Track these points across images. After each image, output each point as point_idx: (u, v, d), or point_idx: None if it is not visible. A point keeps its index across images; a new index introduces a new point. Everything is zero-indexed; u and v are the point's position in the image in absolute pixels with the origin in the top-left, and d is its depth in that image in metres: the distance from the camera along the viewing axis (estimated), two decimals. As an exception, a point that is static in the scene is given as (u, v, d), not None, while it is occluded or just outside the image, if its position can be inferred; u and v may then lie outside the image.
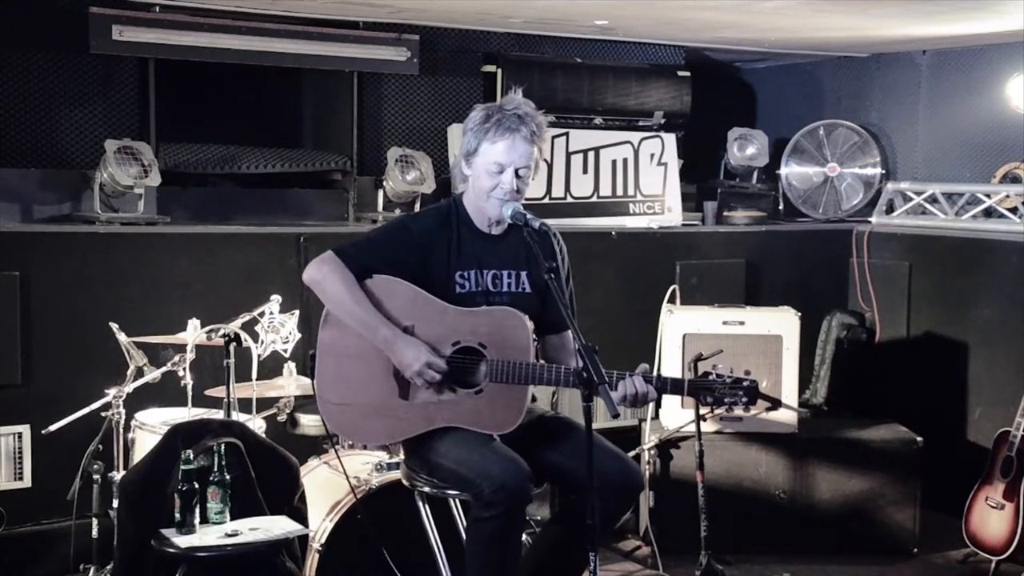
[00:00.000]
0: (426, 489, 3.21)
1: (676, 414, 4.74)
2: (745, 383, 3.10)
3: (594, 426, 2.98)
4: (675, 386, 3.12)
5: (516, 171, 3.11)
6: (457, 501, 3.40)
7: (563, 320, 3.14)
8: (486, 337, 3.10)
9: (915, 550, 4.74)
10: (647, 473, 4.73)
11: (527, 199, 5.25)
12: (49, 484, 4.12)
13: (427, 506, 3.31)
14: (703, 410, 4.48)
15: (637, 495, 3.24)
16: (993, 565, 4.48)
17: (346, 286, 3.08)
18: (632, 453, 4.71)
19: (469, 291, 3.16)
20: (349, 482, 3.51)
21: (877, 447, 4.80)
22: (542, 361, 3.18)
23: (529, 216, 3.11)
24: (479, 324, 3.11)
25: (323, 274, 3.10)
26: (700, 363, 4.15)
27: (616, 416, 2.78)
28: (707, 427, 4.64)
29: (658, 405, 4.82)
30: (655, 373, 3.13)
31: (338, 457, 3.51)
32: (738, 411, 4.46)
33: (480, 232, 3.22)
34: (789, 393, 4.73)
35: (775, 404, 4.57)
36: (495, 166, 3.10)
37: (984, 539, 4.53)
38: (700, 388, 3.12)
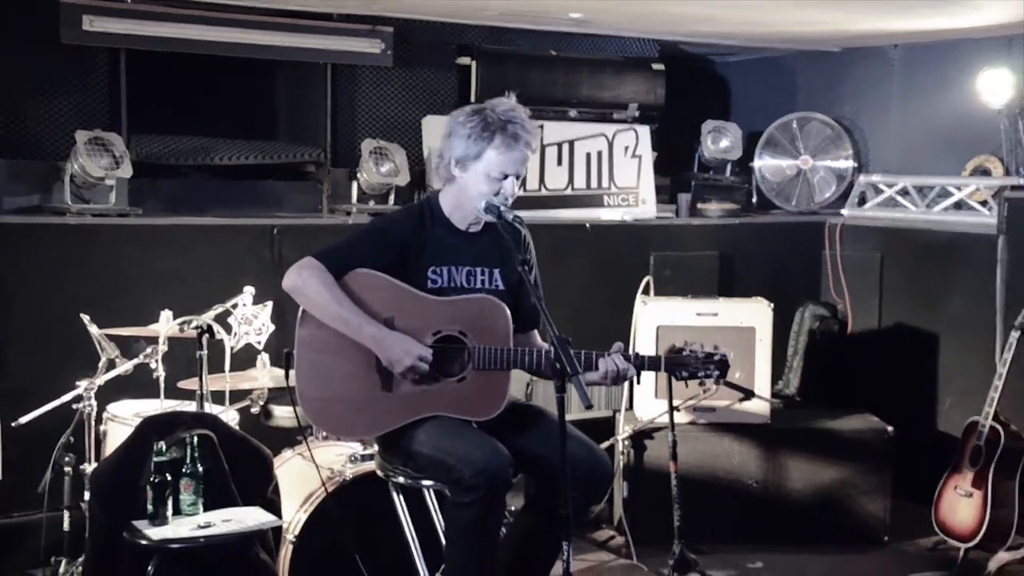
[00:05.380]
0: (401, 480, 3.23)
1: (650, 405, 4.76)
2: (716, 357, 3.20)
3: (569, 417, 3.01)
4: (651, 363, 3.19)
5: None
6: (432, 492, 3.40)
7: (532, 319, 3.26)
8: (466, 325, 3.12)
9: (886, 539, 4.80)
10: (621, 464, 4.75)
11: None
12: (20, 477, 4.07)
13: (401, 497, 3.32)
14: (676, 400, 4.51)
15: (606, 484, 3.26)
16: (962, 552, 4.53)
17: (327, 288, 3.08)
18: (606, 444, 4.74)
19: (441, 287, 3.18)
20: (321, 476, 3.51)
21: (849, 437, 4.85)
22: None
23: (502, 208, 3.13)
24: (458, 312, 3.14)
25: (303, 279, 3.10)
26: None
27: (589, 407, 2.81)
28: (681, 418, 4.67)
29: (632, 390, 4.84)
30: (631, 352, 3.19)
31: (309, 450, 3.51)
32: (712, 400, 4.58)
33: (456, 230, 3.25)
34: (762, 384, 4.76)
35: (747, 395, 4.65)
36: (499, 173, 3.14)
37: (953, 527, 4.58)
38: (675, 364, 3.20)
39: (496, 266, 3.25)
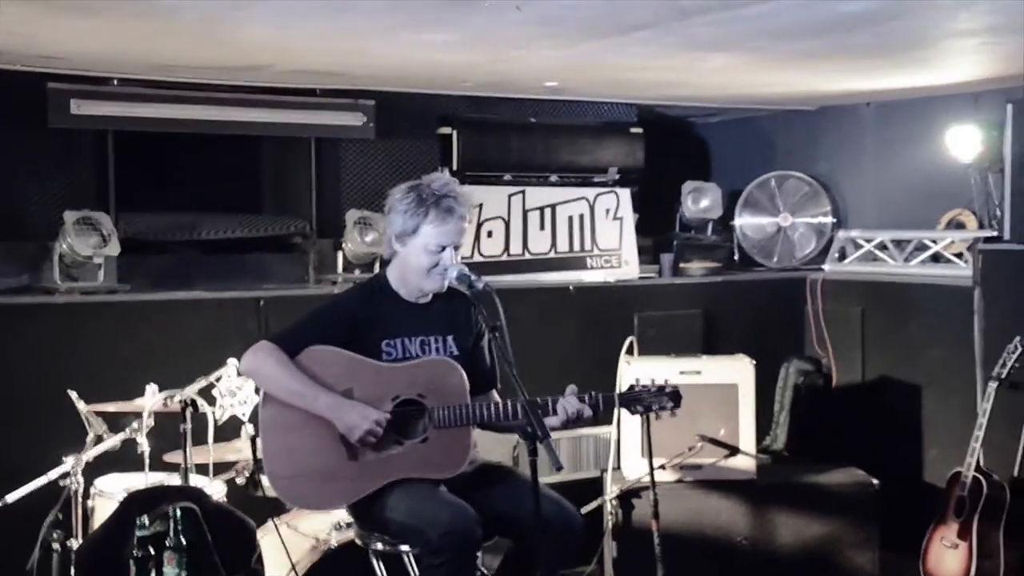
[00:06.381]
0: (379, 546, 3.27)
1: (637, 464, 4.79)
2: (668, 389, 3.34)
3: (550, 480, 3.06)
4: (606, 401, 3.30)
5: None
6: (411, 556, 3.44)
7: (488, 381, 3.36)
8: (423, 387, 3.22)
9: (876, 592, 4.81)
10: (610, 523, 4.78)
11: (488, 256, 5.49)
12: (9, 555, 4.09)
13: (381, 564, 3.36)
14: (662, 458, 4.56)
15: (577, 539, 3.27)
16: (951, 604, 4.54)
17: (281, 366, 3.19)
18: (594, 504, 4.77)
19: (396, 358, 3.29)
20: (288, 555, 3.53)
21: (835, 491, 4.88)
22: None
23: (472, 277, 3.23)
24: (414, 376, 3.24)
25: (259, 360, 3.22)
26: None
27: (560, 469, 2.86)
28: (667, 476, 4.71)
29: (619, 450, 4.88)
30: (588, 394, 3.28)
31: (278, 531, 3.57)
32: (697, 458, 4.63)
33: (406, 303, 3.36)
34: (747, 440, 4.80)
35: (733, 451, 4.70)
36: (436, 246, 3.25)
37: (941, 578, 4.60)
38: (629, 400, 3.34)
39: (449, 332, 3.35)
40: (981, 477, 4.50)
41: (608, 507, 4.79)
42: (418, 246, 3.26)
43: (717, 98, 6.05)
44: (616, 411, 3.75)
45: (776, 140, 6.64)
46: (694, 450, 4.71)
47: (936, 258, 5.61)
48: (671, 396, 3.32)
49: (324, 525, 3.82)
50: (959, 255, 5.50)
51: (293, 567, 3.65)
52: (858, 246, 5.98)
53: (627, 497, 4.78)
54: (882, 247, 5.87)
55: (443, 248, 3.25)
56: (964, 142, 5.40)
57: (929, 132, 5.75)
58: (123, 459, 4.02)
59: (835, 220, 6.22)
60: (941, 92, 5.55)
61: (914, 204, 5.89)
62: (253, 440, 3.27)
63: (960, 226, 5.57)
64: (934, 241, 5.62)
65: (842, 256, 6.06)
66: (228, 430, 4.07)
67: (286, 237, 5.40)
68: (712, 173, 6.77)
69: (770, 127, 6.66)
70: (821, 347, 5.86)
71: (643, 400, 3.31)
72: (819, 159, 6.38)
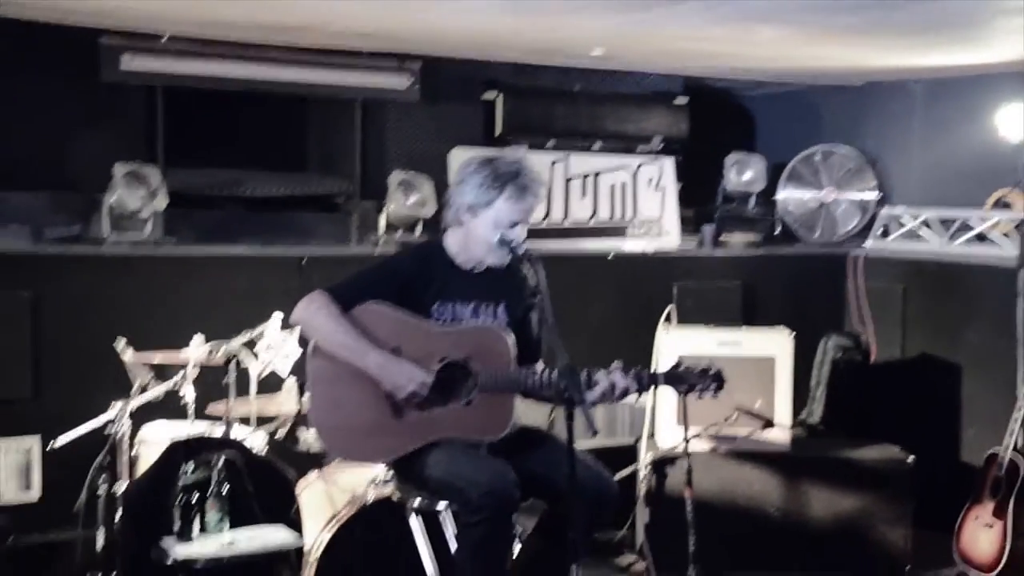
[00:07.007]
0: (416, 503, 3.33)
1: (671, 432, 4.82)
2: (711, 371, 3.32)
3: (586, 445, 3.06)
4: (650, 379, 3.30)
5: None
6: (449, 513, 3.49)
7: (534, 352, 3.37)
8: (470, 351, 3.24)
9: (907, 568, 4.80)
10: (643, 490, 4.81)
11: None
12: (58, 496, 4.21)
13: (419, 520, 3.41)
14: (697, 427, 4.58)
15: (612, 504, 3.30)
16: (983, 583, 4.55)
17: (333, 319, 3.20)
18: (628, 470, 4.81)
19: (446, 322, 3.31)
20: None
21: (869, 466, 4.87)
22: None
23: (514, 243, 3.24)
24: (463, 340, 3.26)
25: (311, 312, 3.23)
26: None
27: (595, 433, 2.90)
28: (702, 446, 4.73)
29: (654, 418, 4.91)
30: (632, 370, 3.27)
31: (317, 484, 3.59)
32: (732, 428, 4.65)
33: (461, 270, 3.37)
34: (783, 413, 4.81)
35: (766, 423, 4.72)
36: (509, 222, 3.26)
37: (975, 557, 4.59)
38: (673, 378, 3.32)
39: (500, 301, 3.37)
40: (1019, 457, 4.48)
41: (642, 474, 4.82)
42: (489, 219, 3.26)
43: (763, 71, 6.00)
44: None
45: (822, 114, 6.58)
46: (729, 420, 4.72)
47: (981, 238, 5.55)
48: (715, 378, 3.31)
49: (361, 480, 3.87)
50: (1005, 235, 5.44)
51: (333, 518, 3.71)
52: (901, 224, 5.93)
53: (661, 465, 4.81)
54: (926, 225, 5.82)
55: (515, 224, 3.27)
56: (1015, 121, 5.34)
57: (979, 111, 5.68)
58: (168, 408, 4.10)
59: (879, 196, 6.16)
60: (992, 71, 5.47)
61: (960, 183, 5.82)
62: (301, 388, 3.31)
63: (1007, 206, 5.51)
64: (980, 220, 5.56)
65: (885, 233, 6.01)
66: (270, 384, 4.14)
67: (330, 197, 5.45)
68: (757, 145, 6.72)
69: (816, 101, 6.60)
70: (861, 324, 5.84)
71: (686, 380, 3.30)
72: (865, 135, 6.31)
